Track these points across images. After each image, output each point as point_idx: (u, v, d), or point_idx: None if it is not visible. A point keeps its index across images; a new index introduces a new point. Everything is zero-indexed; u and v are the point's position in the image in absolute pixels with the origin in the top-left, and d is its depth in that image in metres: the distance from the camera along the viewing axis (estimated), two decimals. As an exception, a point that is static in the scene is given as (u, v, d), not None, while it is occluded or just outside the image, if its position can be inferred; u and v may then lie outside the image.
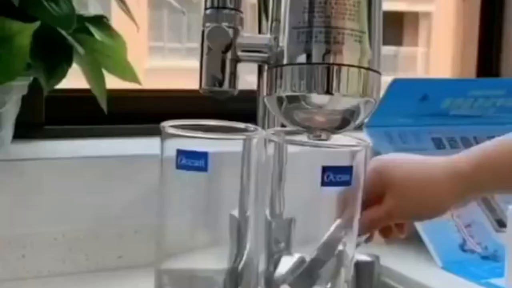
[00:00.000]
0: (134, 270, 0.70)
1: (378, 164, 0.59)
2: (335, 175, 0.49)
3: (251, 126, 0.55)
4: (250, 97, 0.66)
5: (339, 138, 0.51)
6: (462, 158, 0.57)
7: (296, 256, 0.52)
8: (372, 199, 0.56)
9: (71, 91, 0.82)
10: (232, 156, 0.52)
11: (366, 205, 0.55)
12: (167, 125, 0.52)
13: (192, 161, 0.49)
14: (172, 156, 0.50)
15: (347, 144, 0.52)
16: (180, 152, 0.50)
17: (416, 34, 4.53)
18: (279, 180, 0.52)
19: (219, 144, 0.51)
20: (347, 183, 0.49)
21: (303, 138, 0.52)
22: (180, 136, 0.51)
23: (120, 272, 0.70)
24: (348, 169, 0.49)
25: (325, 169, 0.49)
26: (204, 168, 0.49)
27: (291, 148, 0.52)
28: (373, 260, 0.71)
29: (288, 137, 0.53)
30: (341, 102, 0.48)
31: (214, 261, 0.53)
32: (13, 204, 0.67)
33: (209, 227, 0.53)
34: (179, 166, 0.50)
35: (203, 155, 0.49)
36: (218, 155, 0.51)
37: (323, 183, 0.48)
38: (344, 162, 0.50)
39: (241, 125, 0.55)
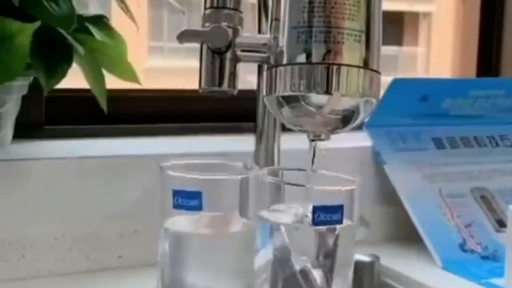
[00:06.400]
0: (134, 270, 0.70)
1: None
2: (325, 214, 0.48)
3: (248, 164, 0.56)
4: (250, 96, 0.66)
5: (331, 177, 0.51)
6: None
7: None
8: None
9: (71, 91, 0.82)
10: (230, 190, 0.54)
11: None
12: (166, 166, 0.53)
13: (187, 200, 0.50)
14: (170, 196, 0.51)
15: (341, 179, 0.52)
16: (176, 192, 0.51)
17: (416, 34, 4.52)
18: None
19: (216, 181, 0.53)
20: (338, 221, 0.48)
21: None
22: (178, 177, 0.52)
23: (120, 272, 0.70)
24: (338, 208, 0.48)
25: (315, 209, 0.48)
26: (198, 207, 0.50)
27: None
28: (373, 260, 0.71)
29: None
30: (341, 102, 0.48)
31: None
32: (13, 204, 0.67)
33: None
34: (175, 206, 0.51)
35: (198, 195, 0.50)
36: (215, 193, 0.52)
37: (314, 223, 0.48)
38: (337, 197, 0.50)
39: (239, 163, 0.56)
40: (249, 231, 0.53)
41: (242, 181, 0.53)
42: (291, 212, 0.52)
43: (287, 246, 0.50)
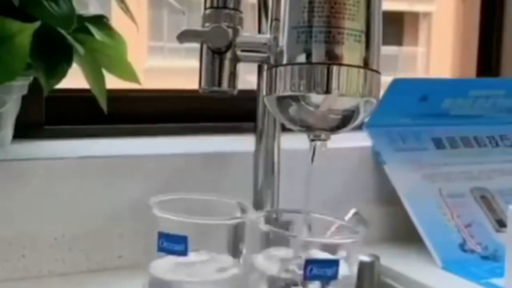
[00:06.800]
0: (134, 270, 0.70)
1: None
2: (319, 268, 0.45)
3: (243, 203, 0.54)
4: (250, 96, 0.66)
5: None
6: None
7: None
8: None
9: (71, 91, 0.82)
10: (220, 234, 0.52)
11: None
12: (153, 203, 0.52)
13: (173, 245, 0.49)
14: (155, 237, 0.50)
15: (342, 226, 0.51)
16: (161, 235, 0.49)
17: (416, 34, 4.52)
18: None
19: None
20: (333, 277, 0.46)
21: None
22: (165, 219, 0.50)
23: (120, 272, 0.70)
24: (333, 263, 0.46)
25: (308, 263, 0.45)
26: (184, 252, 0.48)
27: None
28: (373, 260, 0.71)
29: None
30: (339, 100, 0.48)
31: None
32: (13, 204, 0.67)
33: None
34: (160, 249, 0.49)
35: (183, 239, 0.48)
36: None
37: (305, 277, 0.45)
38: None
39: (233, 201, 0.55)
40: (238, 277, 0.51)
41: (233, 225, 0.51)
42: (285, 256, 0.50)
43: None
